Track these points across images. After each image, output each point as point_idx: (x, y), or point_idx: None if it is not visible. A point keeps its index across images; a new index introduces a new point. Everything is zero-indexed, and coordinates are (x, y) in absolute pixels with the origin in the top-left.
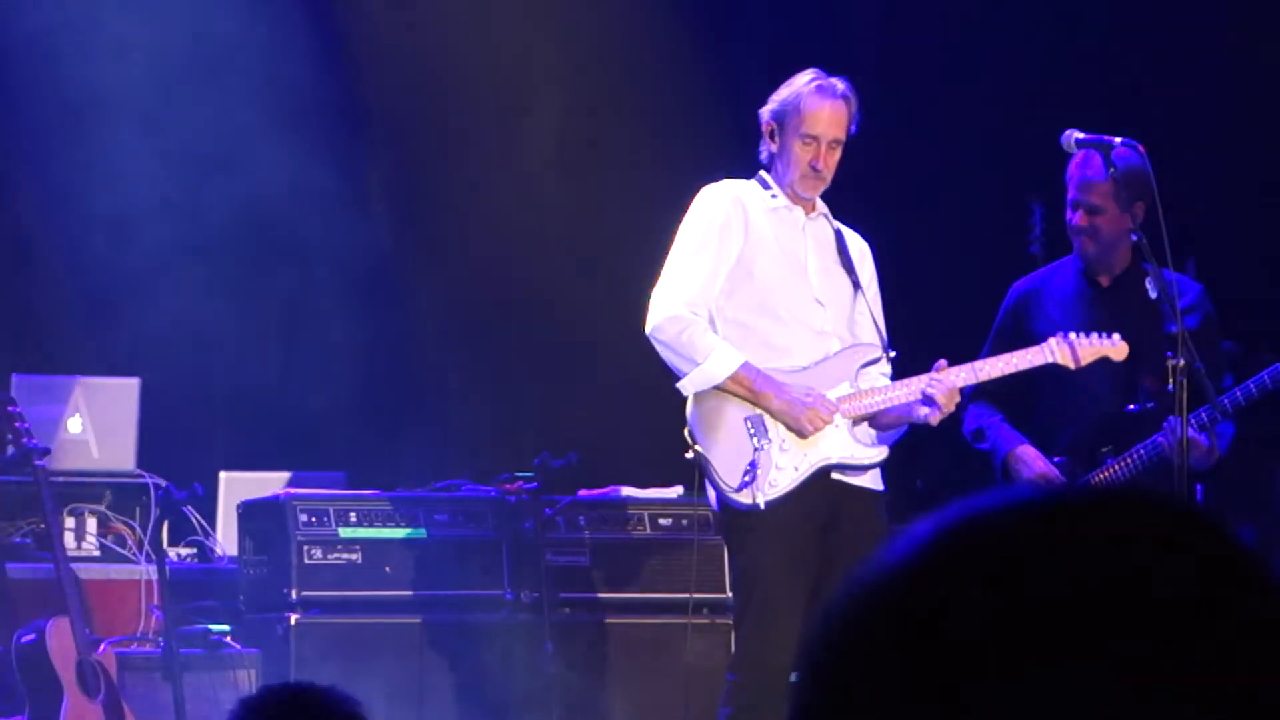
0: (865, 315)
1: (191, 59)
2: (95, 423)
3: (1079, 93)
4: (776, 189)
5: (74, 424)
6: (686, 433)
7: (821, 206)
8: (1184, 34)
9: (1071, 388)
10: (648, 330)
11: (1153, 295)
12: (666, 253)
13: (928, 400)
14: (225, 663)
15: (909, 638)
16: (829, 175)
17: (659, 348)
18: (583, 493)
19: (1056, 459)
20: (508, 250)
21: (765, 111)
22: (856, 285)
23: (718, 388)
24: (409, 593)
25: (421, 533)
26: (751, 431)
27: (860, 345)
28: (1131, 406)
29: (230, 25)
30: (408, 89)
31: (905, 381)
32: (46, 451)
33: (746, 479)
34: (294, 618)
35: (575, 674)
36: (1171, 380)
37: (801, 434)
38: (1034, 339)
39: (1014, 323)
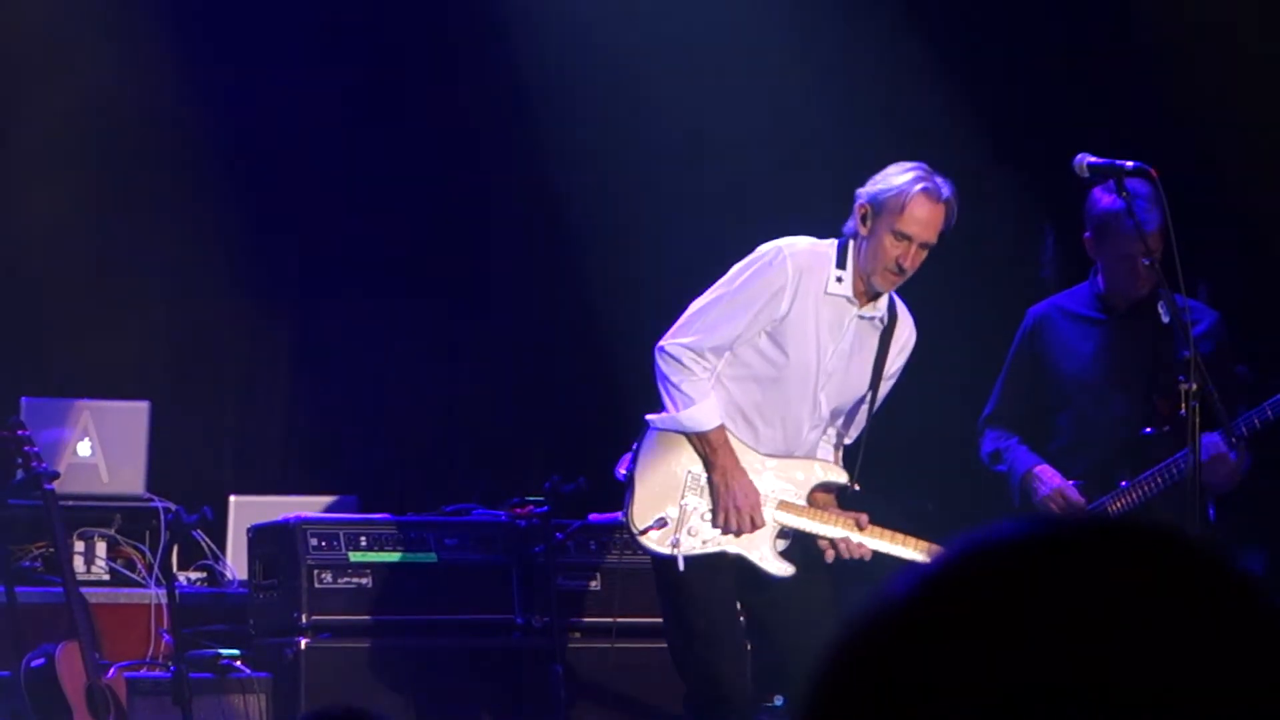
0: (856, 414)
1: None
2: (105, 446)
3: (1089, 115)
4: (847, 273)
5: (83, 448)
6: (633, 448)
7: (883, 299)
8: (1192, 57)
9: (1088, 412)
10: (658, 346)
11: (1164, 319)
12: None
13: (834, 543)
14: (235, 687)
15: (907, 683)
16: (910, 274)
17: (657, 370)
18: (593, 517)
19: (1073, 482)
20: (521, 275)
21: (863, 193)
22: (874, 385)
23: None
24: (419, 617)
25: (431, 557)
26: (687, 486)
27: (832, 471)
28: (1148, 430)
29: None
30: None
31: (836, 520)
32: (55, 475)
33: (655, 525)
34: (304, 642)
35: (585, 699)
36: (1184, 405)
37: (724, 527)
38: (1050, 365)
39: (1029, 347)
